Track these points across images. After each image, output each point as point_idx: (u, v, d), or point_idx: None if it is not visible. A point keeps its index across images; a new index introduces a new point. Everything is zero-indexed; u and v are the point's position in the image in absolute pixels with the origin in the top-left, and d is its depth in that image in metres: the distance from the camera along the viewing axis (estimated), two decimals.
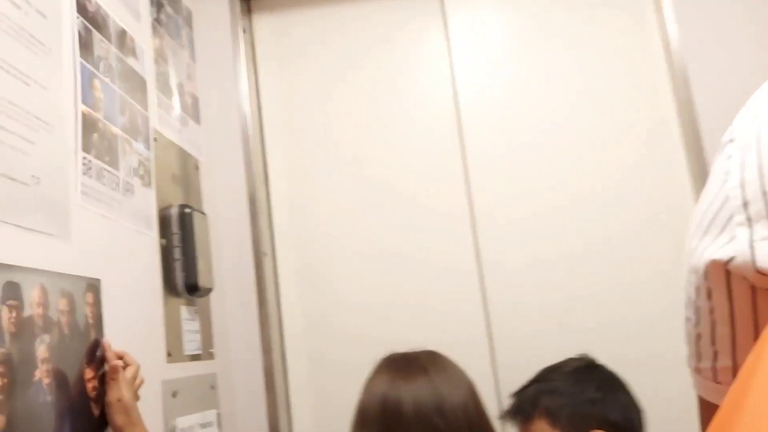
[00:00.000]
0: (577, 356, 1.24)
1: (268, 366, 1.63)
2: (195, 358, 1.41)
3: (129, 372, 1.02)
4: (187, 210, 1.37)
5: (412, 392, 0.98)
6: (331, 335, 1.75)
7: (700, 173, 1.58)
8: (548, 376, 1.18)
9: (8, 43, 0.87)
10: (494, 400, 1.57)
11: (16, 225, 0.83)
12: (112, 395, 0.99)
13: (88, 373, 0.98)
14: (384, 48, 1.82)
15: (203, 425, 1.38)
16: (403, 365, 1.05)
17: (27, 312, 0.84)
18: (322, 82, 1.82)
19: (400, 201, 1.75)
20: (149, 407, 1.18)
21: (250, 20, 1.82)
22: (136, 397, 1.03)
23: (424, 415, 0.95)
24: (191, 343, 1.40)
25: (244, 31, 1.75)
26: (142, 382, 1.06)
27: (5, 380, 0.78)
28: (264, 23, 1.83)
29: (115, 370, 1.00)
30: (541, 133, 1.71)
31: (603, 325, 1.61)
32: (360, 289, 1.75)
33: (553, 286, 1.65)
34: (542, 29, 1.76)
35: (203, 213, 1.45)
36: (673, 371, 1.50)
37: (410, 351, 1.10)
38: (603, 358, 1.25)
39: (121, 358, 1.03)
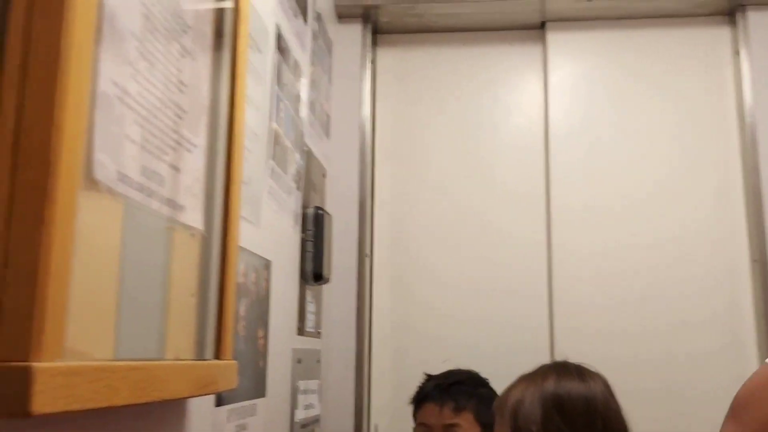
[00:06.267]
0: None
1: (359, 352, 1.90)
2: (311, 335, 1.68)
3: None
4: (320, 211, 1.65)
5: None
6: (413, 335, 2.01)
7: (756, 229, 1.80)
8: None
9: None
10: None
11: (242, 216, 1.11)
12: None
13: (260, 333, 1.25)
14: (487, 89, 2.08)
15: (314, 391, 1.65)
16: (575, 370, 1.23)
17: (240, 280, 1.12)
18: (427, 113, 2.10)
19: (482, 224, 2.02)
20: (282, 369, 1.45)
21: (375, 53, 2.10)
22: None
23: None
24: (310, 322, 1.67)
25: (372, 62, 2.03)
26: None
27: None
28: (387, 56, 2.11)
29: None
30: (621, 176, 1.96)
31: (660, 360, 1.85)
32: (441, 297, 2.01)
33: (620, 324, 1.88)
34: (631, 81, 2.01)
35: (330, 215, 1.73)
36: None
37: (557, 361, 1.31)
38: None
39: None
